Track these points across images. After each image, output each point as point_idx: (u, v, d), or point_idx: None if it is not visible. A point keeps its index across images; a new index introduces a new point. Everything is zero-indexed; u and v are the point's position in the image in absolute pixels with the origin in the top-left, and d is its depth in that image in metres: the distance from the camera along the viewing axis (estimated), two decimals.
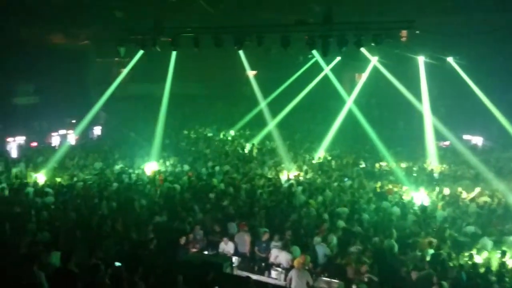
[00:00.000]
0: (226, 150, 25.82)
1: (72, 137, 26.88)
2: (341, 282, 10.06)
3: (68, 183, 17.59)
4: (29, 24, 22.95)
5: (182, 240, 11.77)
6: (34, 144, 25.52)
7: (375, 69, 27.63)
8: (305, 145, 27.79)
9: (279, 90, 30.52)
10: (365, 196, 17.21)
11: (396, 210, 15.51)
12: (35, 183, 17.28)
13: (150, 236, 11.71)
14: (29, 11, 20.94)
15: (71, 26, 25.15)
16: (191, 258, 11.23)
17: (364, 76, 29.31)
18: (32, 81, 26.49)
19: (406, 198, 17.61)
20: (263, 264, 11.38)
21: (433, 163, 23.94)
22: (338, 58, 28.54)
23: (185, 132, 31.33)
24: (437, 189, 18.70)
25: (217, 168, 20.57)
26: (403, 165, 23.29)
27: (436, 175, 21.82)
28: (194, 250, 11.85)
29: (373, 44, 15.53)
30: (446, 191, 18.35)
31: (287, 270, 10.72)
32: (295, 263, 10.69)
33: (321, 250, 11.63)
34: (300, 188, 17.60)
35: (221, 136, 30.80)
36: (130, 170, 20.01)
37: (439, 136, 26.61)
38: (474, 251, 12.29)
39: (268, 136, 28.14)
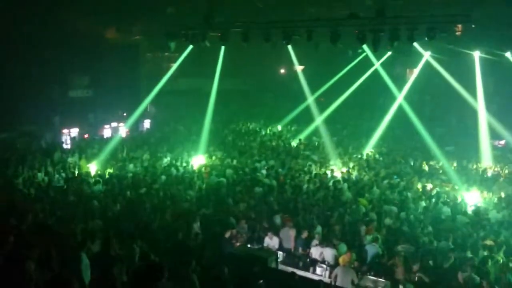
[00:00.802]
0: (272, 145, 25.80)
1: (123, 130, 27.61)
2: (387, 281, 9.84)
3: (118, 174, 18.11)
4: (84, 19, 23.71)
5: (227, 234, 11.88)
6: (87, 136, 26.40)
7: (428, 64, 26.80)
8: (352, 141, 27.36)
9: (327, 85, 30.17)
10: (414, 194, 16.76)
11: (446, 210, 15.02)
12: (88, 173, 17.88)
13: (197, 228, 11.89)
14: (85, 6, 21.65)
15: (123, 21, 25.81)
16: (236, 251, 11.31)
17: (416, 71, 28.51)
18: (86, 74, 27.37)
19: (457, 198, 16.99)
20: (308, 260, 11.30)
21: (487, 163, 23.00)
22: (389, 53, 27.88)
23: (232, 126, 31.54)
24: (491, 190, 17.95)
25: (263, 162, 20.60)
26: (455, 164, 22.50)
27: (490, 175, 20.94)
28: (239, 244, 11.92)
29: (426, 39, 15.05)
30: (502, 192, 17.57)
31: (332, 267, 10.61)
32: (341, 260, 10.57)
33: (372, 250, 11.39)
34: (346, 185, 17.37)
35: (268, 131, 30.82)
36: (178, 163, 20.33)
37: (494, 135, 25.54)
38: None
39: (315, 132, 27.90)
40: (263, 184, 16.99)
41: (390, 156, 23.81)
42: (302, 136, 27.82)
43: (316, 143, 26.37)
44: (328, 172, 19.89)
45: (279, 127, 31.40)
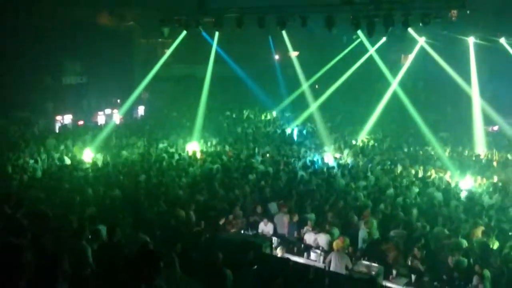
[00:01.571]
0: (267, 131, 25.80)
1: (117, 116, 27.51)
2: (380, 266, 9.93)
3: (112, 161, 18.08)
4: (77, 5, 23.49)
5: (222, 220, 11.92)
6: (81, 122, 26.30)
7: (422, 50, 26.76)
8: (347, 127, 27.42)
9: (322, 72, 30.08)
10: (408, 180, 16.86)
11: (438, 195, 15.12)
12: (81, 160, 17.84)
13: (191, 215, 11.92)
14: None
15: (117, 7, 25.57)
16: (230, 237, 11.35)
17: (411, 57, 28.46)
18: (80, 61, 27.19)
19: (451, 184, 17.11)
20: (302, 245, 11.37)
21: (480, 149, 23.13)
22: (384, 39, 27.80)
23: (227, 113, 31.48)
24: (485, 175, 18.07)
25: (257, 149, 20.61)
26: (449, 150, 22.62)
27: (483, 161, 21.07)
28: (233, 230, 11.97)
29: (421, 24, 15.02)
30: (494, 178, 17.71)
31: (326, 252, 10.68)
32: (335, 245, 10.62)
33: (361, 234, 11.53)
34: (340, 171, 17.44)
35: (263, 117, 30.78)
36: (172, 150, 20.32)
37: (487, 121, 25.64)
38: None
39: (310, 118, 27.90)
40: (258, 171, 17.03)
41: (384, 142, 23.91)
42: (297, 122, 27.84)
43: (310, 129, 26.41)
44: (323, 158, 19.95)
45: (274, 114, 31.37)
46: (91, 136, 21.81)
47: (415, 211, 13.29)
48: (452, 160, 20.32)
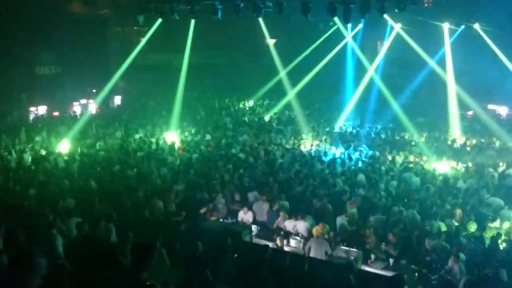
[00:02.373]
0: (245, 119, 25.76)
1: (92, 106, 27.10)
2: (359, 251, 10.05)
3: (89, 152, 17.82)
4: None
5: (203, 209, 11.89)
6: (56, 113, 25.83)
7: (398, 36, 26.95)
8: (325, 114, 27.54)
9: (299, 59, 30.05)
10: (386, 165, 17.05)
11: (416, 180, 15.33)
12: (57, 152, 17.54)
13: (171, 205, 11.86)
14: None
15: None
16: (210, 226, 11.36)
17: (387, 44, 28.64)
18: (54, 50, 26.66)
19: (428, 168, 17.35)
20: (282, 233, 11.42)
21: (456, 134, 23.51)
22: (360, 25, 27.93)
23: (205, 101, 31.27)
24: (461, 160, 18.38)
25: (236, 137, 20.57)
26: (426, 135, 22.93)
27: (459, 145, 21.43)
28: (214, 218, 11.96)
29: (396, 10, 15.10)
30: (469, 162, 18.02)
31: (306, 239, 10.76)
32: (314, 232, 10.74)
33: (340, 220, 11.63)
34: (318, 158, 17.53)
35: (241, 105, 30.69)
36: (151, 140, 20.13)
37: (463, 106, 26.03)
38: (497, 223, 12.09)
39: (288, 106, 27.92)
40: (236, 159, 16.99)
41: (362, 128, 24.11)
42: (275, 110, 27.84)
43: (289, 117, 26.44)
44: (302, 146, 20.02)
45: (251, 102, 31.29)
46: (66, 127, 21.43)
47: (392, 196, 13.45)
48: (429, 145, 20.61)
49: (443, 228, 11.22)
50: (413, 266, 9.68)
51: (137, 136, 20.90)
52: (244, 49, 32.62)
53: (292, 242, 10.88)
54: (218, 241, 9.48)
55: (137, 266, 4.55)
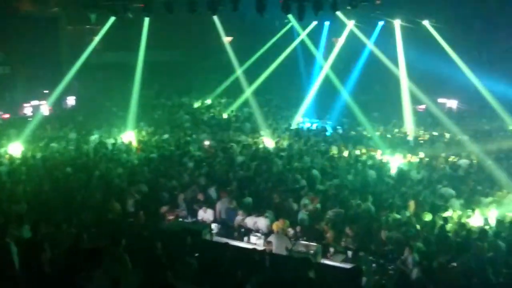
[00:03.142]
0: (202, 118, 25.64)
1: (45, 107, 26.27)
2: (319, 245, 10.23)
3: (42, 155, 17.27)
4: None
5: (162, 209, 11.79)
6: (6, 116, 24.89)
7: (352, 33, 27.46)
8: (282, 111, 27.76)
9: (255, 57, 30.12)
10: (343, 160, 17.38)
11: (372, 173, 15.72)
12: (8, 156, 16.91)
13: (131, 206, 11.69)
14: None
15: None
16: (170, 226, 11.29)
17: (341, 41, 29.12)
18: (2, 51, 25.67)
19: (382, 162, 17.80)
20: (242, 230, 11.47)
21: (409, 127, 24.19)
22: (315, 23, 28.29)
23: (162, 100, 30.86)
24: (413, 152, 18.95)
25: (194, 136, 20.45)
26: (382, 129, 23.49)
27: (411, 139, 22.08)
28: (172, 217, 11.87)
29: (349, 8, 15.40)
30: (421, 154, 18.61)
31: (266, 235, 10.85)
32: (274, 227, 10.85)
33: (301, 215, 11.80)
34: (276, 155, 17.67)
35: (198, 104, 30.48)
36: (107, 140, 19.72)
37: (415, 100, 26.79)
38: (449, 212, 12.53)
39: (246, 103, 27.96)
40: (195, 158, 16.91)
41: (318, 124, 24.47)
42: (233, 108, 27.83)
43: (247, 115, 26.49)
44: (260, 143, 20.12)
45: (209, 100, 31.12)
46: (17, 130, 20.69)
47: (349, 190, 13.74)
48: (383, 139, 21.14)
49: (398, 219, 11.56)
50: (370, 257, 9.94)
51: (92, 137, 20.42)
52: (200, 47, 32.32)
53: (253, 239, 10.95)
54: (178, 241, 9.43)
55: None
